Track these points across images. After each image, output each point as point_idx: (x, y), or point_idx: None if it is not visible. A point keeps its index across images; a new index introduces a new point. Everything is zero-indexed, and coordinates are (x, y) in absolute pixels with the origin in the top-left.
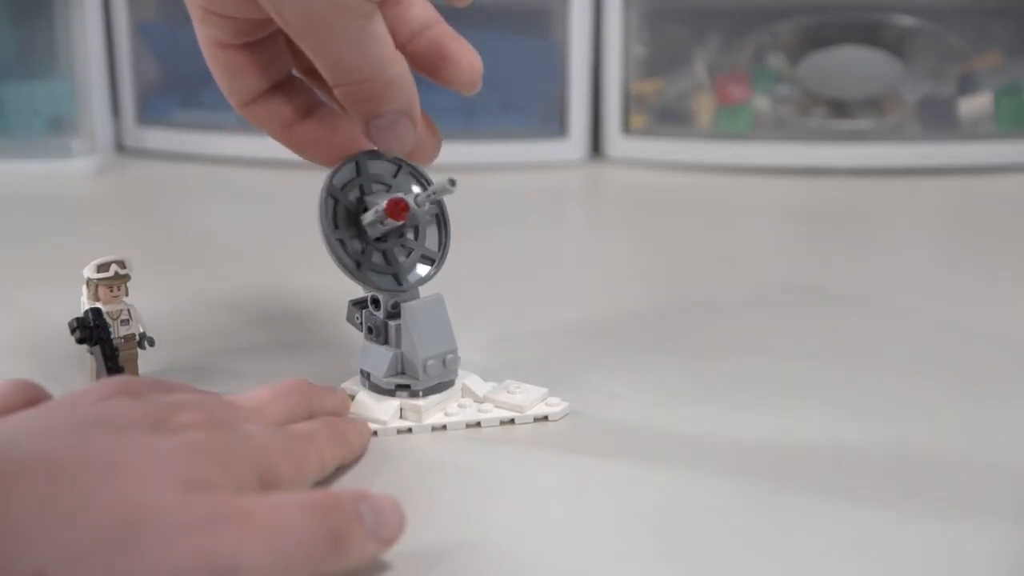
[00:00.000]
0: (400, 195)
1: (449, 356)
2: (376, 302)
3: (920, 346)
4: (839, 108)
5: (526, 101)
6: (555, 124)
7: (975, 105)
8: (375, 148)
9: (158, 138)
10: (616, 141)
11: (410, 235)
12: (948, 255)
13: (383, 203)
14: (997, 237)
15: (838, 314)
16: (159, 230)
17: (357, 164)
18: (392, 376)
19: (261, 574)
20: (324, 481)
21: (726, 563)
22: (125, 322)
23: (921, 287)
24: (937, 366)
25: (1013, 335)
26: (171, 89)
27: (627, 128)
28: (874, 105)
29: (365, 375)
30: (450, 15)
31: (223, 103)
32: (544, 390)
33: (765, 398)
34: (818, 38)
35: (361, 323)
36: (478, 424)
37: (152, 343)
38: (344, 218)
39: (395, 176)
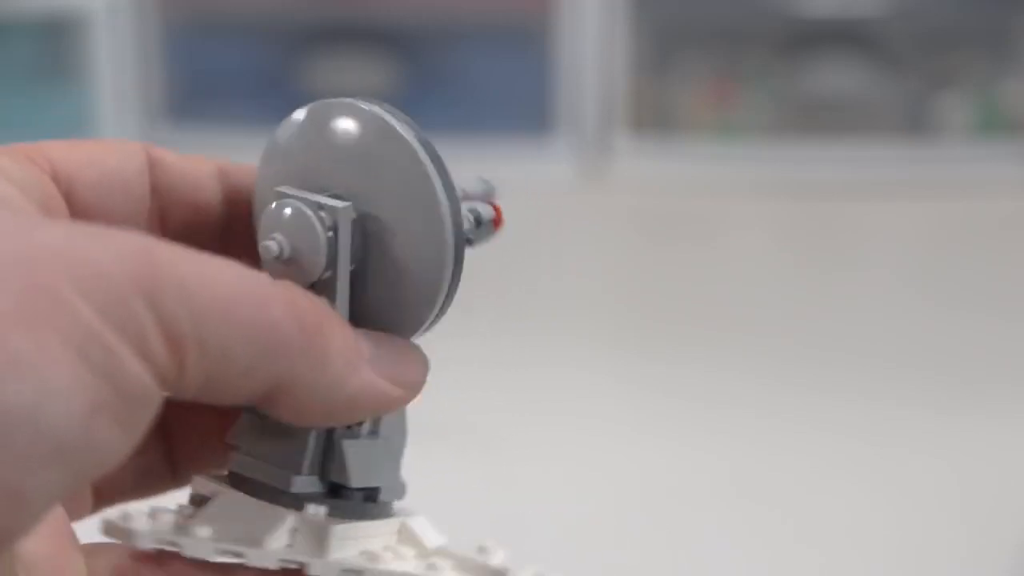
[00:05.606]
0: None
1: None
2: None
3: (917, 345)
4: (825, 113)
5: (523, 104)
6: (552, 126)
7: (952, 109)
8: None
9: (184, 145)
10: (614, 143)
11: None
12: (933, 256)
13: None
14: (974, 233)
15: (835, 318)
16: None
17: None
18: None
19: None
20: None
21: None
22: None
23: (907, 287)
24: (937, 368)
25: (1004, 332)
26: (197, 98)
27: (625, 130)
28: (856, 109)
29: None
30: (445, 27)
31: (247, 114)
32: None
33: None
34: (808, 44)
35: None
36: None
37: None
38: None
39: None
